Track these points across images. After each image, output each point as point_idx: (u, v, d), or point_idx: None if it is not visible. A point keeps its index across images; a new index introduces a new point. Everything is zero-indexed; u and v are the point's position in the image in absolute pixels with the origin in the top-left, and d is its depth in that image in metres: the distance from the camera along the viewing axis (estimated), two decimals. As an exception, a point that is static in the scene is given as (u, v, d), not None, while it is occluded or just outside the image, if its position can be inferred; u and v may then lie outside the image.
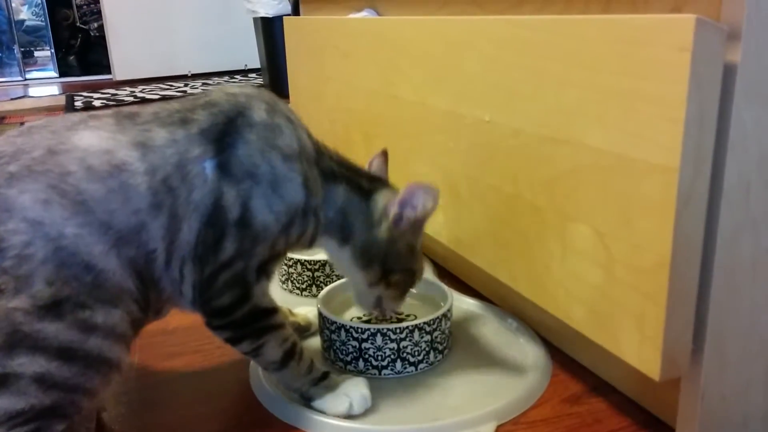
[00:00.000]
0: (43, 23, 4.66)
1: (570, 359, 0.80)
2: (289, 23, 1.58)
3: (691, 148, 0.52)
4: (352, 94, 1.21)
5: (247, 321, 0.65)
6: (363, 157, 0.78)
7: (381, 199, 0.72)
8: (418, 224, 0.72)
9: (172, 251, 0.60)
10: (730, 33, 0.51)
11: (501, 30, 0.74)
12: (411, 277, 0.75)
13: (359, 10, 1.28)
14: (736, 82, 0.51)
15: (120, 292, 0.57)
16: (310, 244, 0.71)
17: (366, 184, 0.73)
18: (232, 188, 0.61)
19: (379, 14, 1.24)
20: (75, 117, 0.61)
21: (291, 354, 0.67)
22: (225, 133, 0.63)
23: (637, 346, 0.59)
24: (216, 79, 3.77)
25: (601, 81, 0.59)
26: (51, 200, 0.54)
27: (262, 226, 0.63)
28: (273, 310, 0.67)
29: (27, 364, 0.52)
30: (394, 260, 0.72)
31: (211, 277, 0.62)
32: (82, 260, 0.54)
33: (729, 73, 0.51)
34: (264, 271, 0.66)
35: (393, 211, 0.70)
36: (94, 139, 0.58)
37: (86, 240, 0.55)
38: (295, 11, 1.81)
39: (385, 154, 0.80)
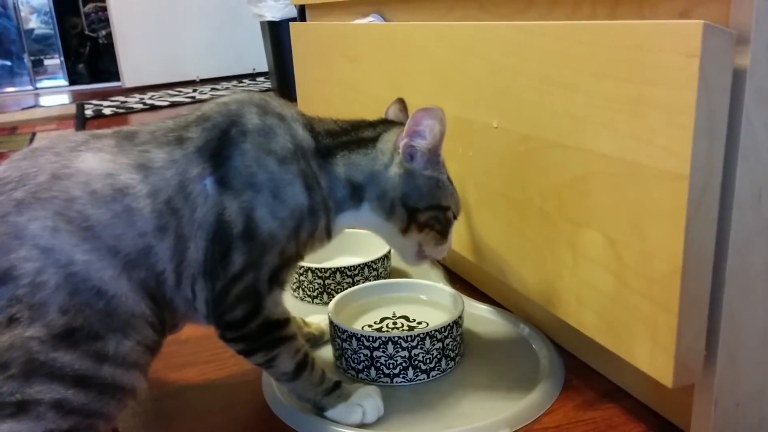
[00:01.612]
0: (52, 31, 4.70)
1: (583, 364, 0.80)
2: (295, 29, 1.58)
3: (701, 155, 0.51)
4: (359, 99, 1.22)
5: (260, 333, 0.65)
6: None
7: (390, 136, 0.70)
8: (433, 152, 0.69)
9: (182, 271, 0.60)
10: (739, 37, 0.50)
11: (508, 35, 0.74)
12: (444, 213, 0.71)
13: (365, 15, 1.28)
14: (746, 87, 0.51)
15: (132, 318, 0.57)
16: (328, 236, 0.70)
17: (370, 133, 0.71)
18: (233, 201, 0.61)
19: (385, 20, 1.24)
20: (78, 137, 0.61)
21: (303, 365, 0.68)
22: (221, 148, 0.63)
23: (650, 353, 0.58)
24: (224, 84, 3.78)
25: (608, 87, 0.59)
26: (59, 227, 0.54)
27: (268, 234, 0.63)
28: (286, 321, 0.67)
29: (44, 391, 0.52)
30: (417, 197, 0.69)
31: (222, 291, 0.62)
32: (94, 286, 0.55)
33: (738, 78, 0.51)
34: (276, 280, 0.66)
35: (402, 144, 0.68)
36: (95, 162, 0.58)
37: (96, 265, 0.55)
38: (301, 17, 1.81)
39: (401, 102, 0.79)
